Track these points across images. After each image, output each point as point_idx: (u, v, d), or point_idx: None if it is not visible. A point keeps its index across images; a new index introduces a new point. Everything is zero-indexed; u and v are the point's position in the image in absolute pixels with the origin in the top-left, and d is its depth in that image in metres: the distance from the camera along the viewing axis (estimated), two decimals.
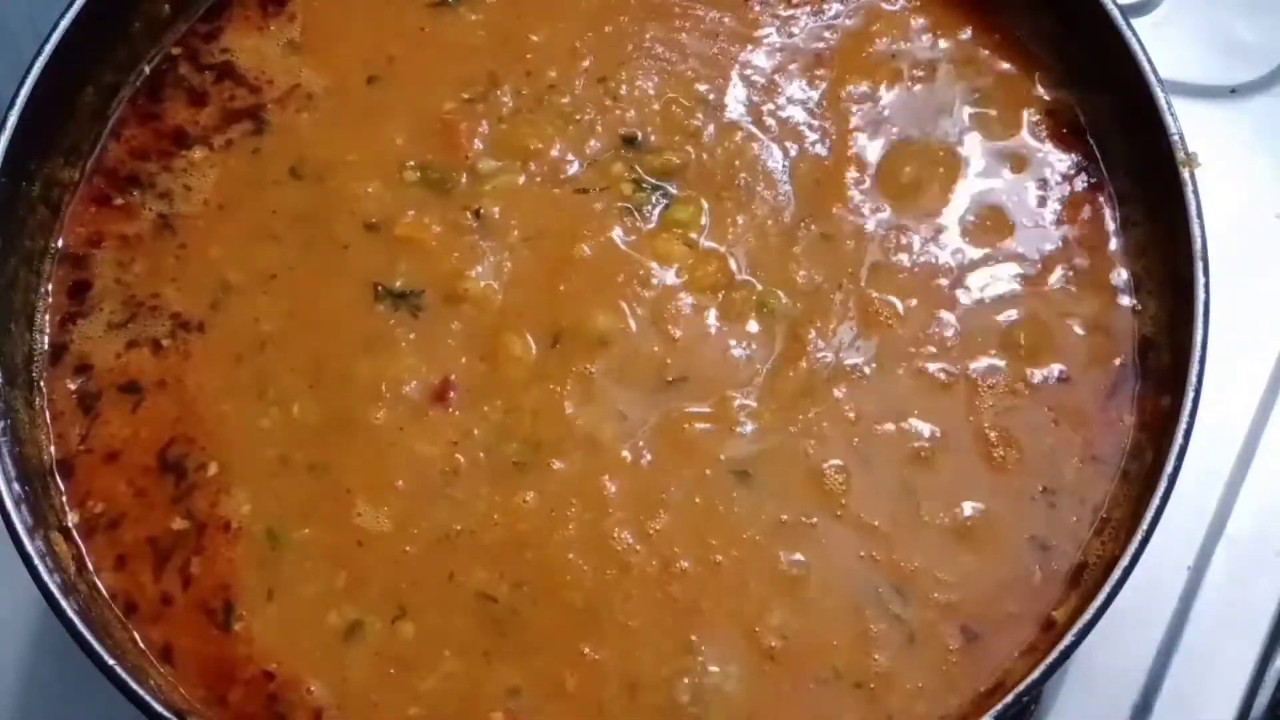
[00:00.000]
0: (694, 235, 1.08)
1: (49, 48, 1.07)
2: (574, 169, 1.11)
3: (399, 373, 1.04)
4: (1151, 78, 1.06)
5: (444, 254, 1.08)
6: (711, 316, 1.07)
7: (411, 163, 1.11)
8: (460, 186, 1.10)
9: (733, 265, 1.08)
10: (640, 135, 1.12)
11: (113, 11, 1.12)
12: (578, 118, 1.12)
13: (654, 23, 1.15)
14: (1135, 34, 1.08)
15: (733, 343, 1.06)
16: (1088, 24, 1.10)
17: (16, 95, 1.05)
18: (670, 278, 1.07)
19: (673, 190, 1.10)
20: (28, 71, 1.06)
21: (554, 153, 1.11)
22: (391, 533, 1.01)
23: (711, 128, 1.12)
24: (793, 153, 1.11)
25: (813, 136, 1.12)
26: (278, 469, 1.02)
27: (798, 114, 1.13)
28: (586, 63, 1.14)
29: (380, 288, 1.07)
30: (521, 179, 1.10)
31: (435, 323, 1.06)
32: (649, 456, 1.03)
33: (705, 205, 1.09)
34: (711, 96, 1.13)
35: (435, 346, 1.05)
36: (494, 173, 1.10)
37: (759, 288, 1.07)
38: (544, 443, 1.03)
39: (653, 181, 1.10)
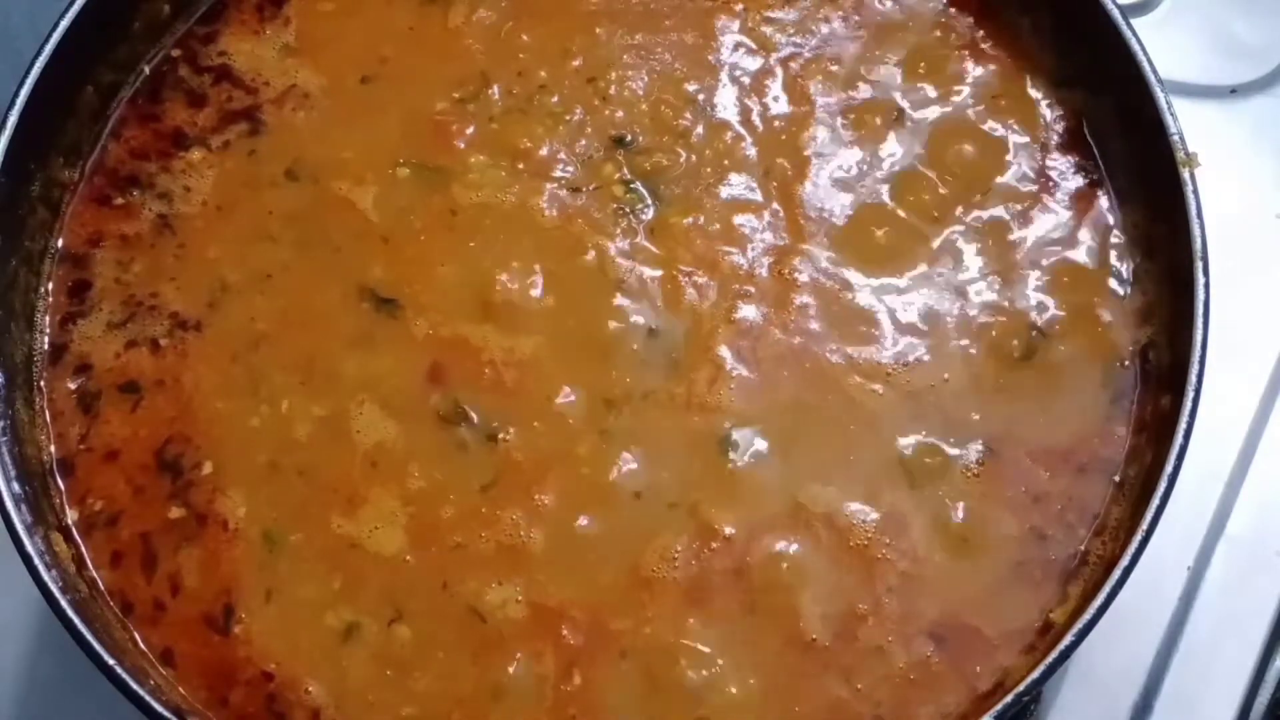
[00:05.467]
0: (686, 233, 1.09)
1: (49, 48, 1.07)
2: (564, 169, 1.11)
3: (383, 373, 1.05)
4: (1151, 78, 1.06)
5: (433, 253, 1.08)
6: (708, 311, 1.07)
7: (403, 160, 1.11)
8: (451, 184, 1.10)
9: (727, 264, 1.08)
10: (630, 135, 1.12)
11: (113, 12, 1.12)
12: (567, 118, 1.12)
13: (644, 24, 1.15)
14: (1135, 34, 1.08)
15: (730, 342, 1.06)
16: (1088, 24, 1.10)
17: (16, 95, 1.05)
18: (664, 273, 1.08)
19: (662, 190, 1.10)
20: (28, 71, 1.06)
21: (543, 152, 1.11)
22: (384, 537, 1.02)
23: (700, 128, 1.12)
24: (782, 154, 1.12)
25: (805, 136, 1.12)
26: (268, 472, 1.03)
27: (787, 114, 1.13)
28: (577, 63, 1.14)
29: (366, 289, 1.07)
30: (512, 178, 1.10)
31: (420, 323, 1.07)
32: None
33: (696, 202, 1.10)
34: (701, 96, 1.13)
35: (420, 347, 1.06)
36: (484, 171, 1.10)
37: (753, 290, 1.08)
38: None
39: (642, 182, 1.10)
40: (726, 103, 1.14)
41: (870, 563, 1.00)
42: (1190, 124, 1.05)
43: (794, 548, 1.01)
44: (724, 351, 1.06)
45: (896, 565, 1.00)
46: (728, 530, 1.01)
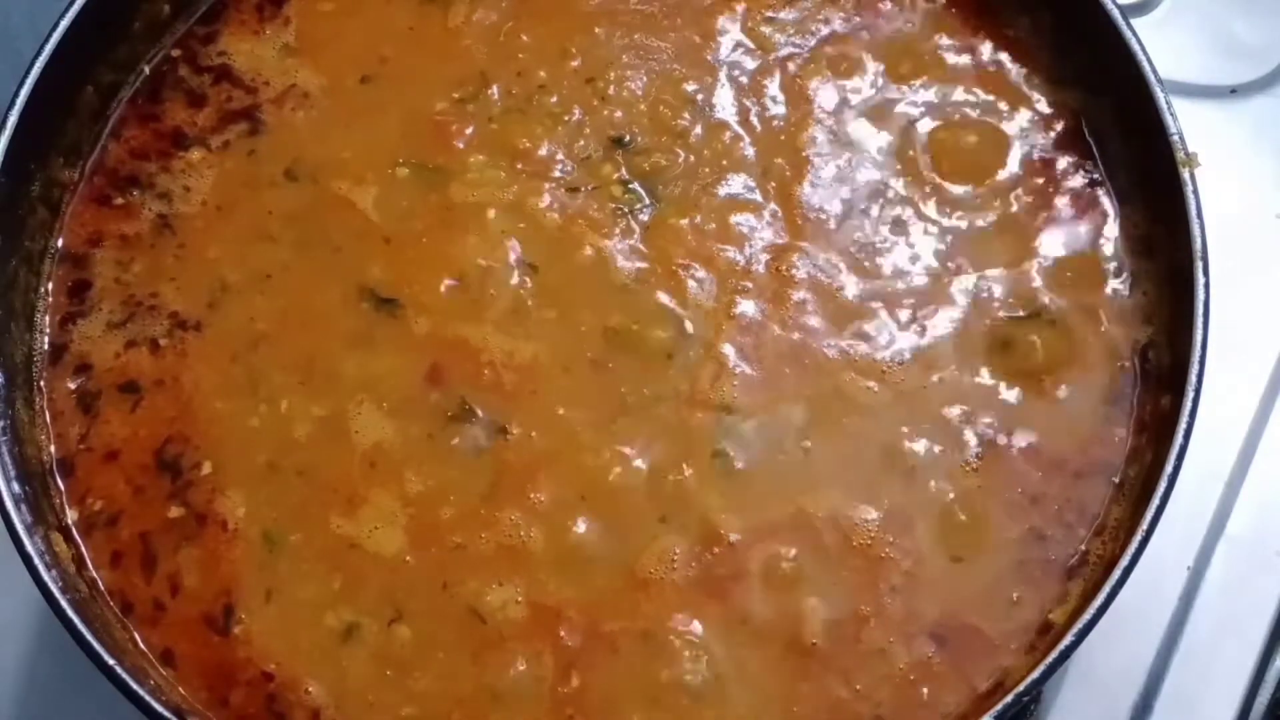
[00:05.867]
0: (684, 233, 1.09)
1: (49, 48, 1.07)
2: (563, 169, 1.11)
3: (383, 374, 1.05)
4: (1151, 78, 1.06)
5: (433, 253, 1.09)
6: (708, 309, 1.07)
7: (402, 160, 1.11)
8: (450, 184, 1.10)
9: (726, 263, 1.08)
10: (628, 136, 1.12)
11: (113, 12, 1.12)
12: (566, 118, 1.12)
13: (643, 24, 1.15)
14: (1135, 34, 1.08)
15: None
16: (1088, 24, 1.10)
17: (16, 95, 1.05)
18: (659, 274, 1.08)
19: (661, 190, 1.10)
20: (28, 71, 1.06)
21: (542, 152, 1.11)
22: (384, 537, 1.02)
23: (699, 128, 1.12)
24: (780, 154, 1.12)
25: (804, 136, 1.12)
26: (267, 472, 1.03)
27: (786, 114, 1.13)
28: (576, 63, 1.14)
29: (366, 289, 1.07)
30: (511, 178, 1.10)
31: (420, 323, 1.07)
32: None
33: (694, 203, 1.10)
34: (699, 97, 1.13)
35: (419, 347, 1.06)
36: (483, 171, 1.10)
37: (751, 286, 1.08)
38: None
39: (640, 182, 1.10)
40: (725, 103, 1.13)
41: (874, 562, 1.00)
42: (1190, 124, 1.05)
43: (796, 550, 1.01)
44: (727, 349, 1.06)
45: (900, 565, 1.00)
46: (730, 532, 1.01)
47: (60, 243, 1.11)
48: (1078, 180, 1.11)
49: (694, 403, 1.04)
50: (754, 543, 1.01)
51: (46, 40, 1.07)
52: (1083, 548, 1.02)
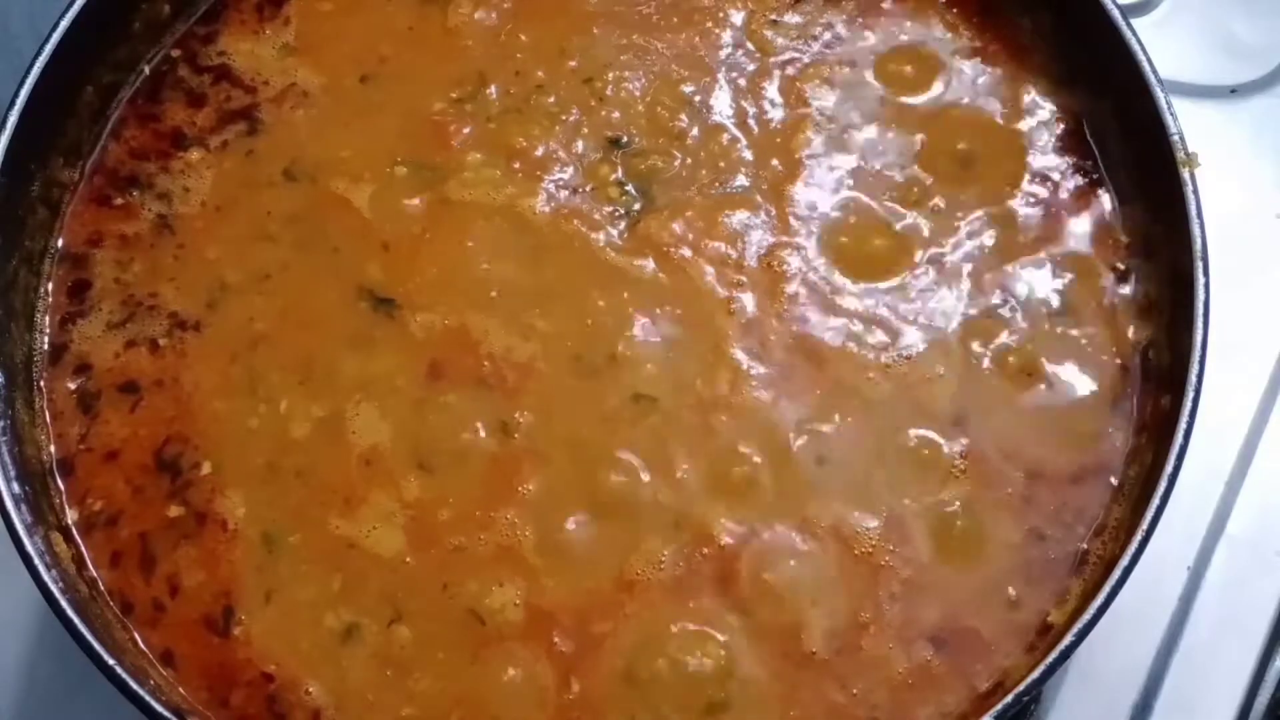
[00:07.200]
0: (681, 235, 1.09)
1: (49, 48, 1.07)
2: (560, 169, 1.11)
3: (382, 373, 1.05)
4: (1151, 78, 1.06)
5: (431, 252, 1.09)
6: (705, 309, 1.07)
7: (400, 159, 1.11)
8: (448, 183, 1.10)
9: (722, 264, 1.08)
10: (625, 137, 1.12)
11: (113, 12, 1.12)
12: (564, 118, 1.12)
13: (642, 25, 1.16)
14: (1135, 34, 1.08)
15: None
16: (1088, 24, 1.10)
17: (16, 95, 1.05)
18: (656, 273, 1.08)
19: (657, 191, 1.10)
20: (28, 71, 1.06)
21: (540, 152, 1.11)
22: (383, 537, 1.01)
23: (696, 130, 1.12)
24: (776, 155, 1.12)
25: (801, 139, 1.12)
26: (266, 472, 1.03)
27: (783, 116, 1.13)
28: (573, 63, 1.14)
29: (364, 289, 1.07)
30: (508, 178, 1.10)
31: (419, 322, 1.07)
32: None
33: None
34: (697, 98, 1.13)
35: (419, 346, 1.06)
36: (481, 171, 1.10)
37: (745, 280, 1.08)
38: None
39: (637, 183, 1.10)
40: (722, 105, 1.13)
41: (875, 570, 1.00)
42: (1190, 124, 1.05)
43: (798, 558, 1.00)
44: (730, 348, 1.06)
45: (899, 572, 1.00)
46: (729, 538, 1.01)
47: (60, 243, 1.11)
48: (1078, 180, 1.11)
49: (694, 402, 1.04)
50: (757, 549, 1.01)
51: (46, 40, 1.07)
52: (1083, 547, 1.02)
